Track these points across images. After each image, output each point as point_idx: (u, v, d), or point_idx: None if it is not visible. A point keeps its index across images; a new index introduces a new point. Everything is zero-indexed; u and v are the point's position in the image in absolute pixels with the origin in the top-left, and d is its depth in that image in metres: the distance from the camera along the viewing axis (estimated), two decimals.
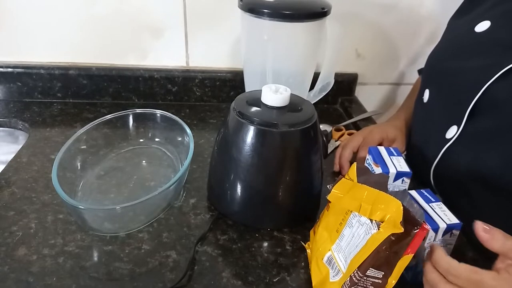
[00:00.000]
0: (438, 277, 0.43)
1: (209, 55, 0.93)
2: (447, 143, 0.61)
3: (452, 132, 0.61)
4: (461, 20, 0.70)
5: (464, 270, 0.42)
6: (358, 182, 0.49)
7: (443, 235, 0.51)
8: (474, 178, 0.58)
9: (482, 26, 0.61)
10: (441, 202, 0.54)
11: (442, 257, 0.43)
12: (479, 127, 0.57)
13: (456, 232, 0.51)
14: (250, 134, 0.54)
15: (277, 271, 0.53)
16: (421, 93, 0.71)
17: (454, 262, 0.43)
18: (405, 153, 0.77)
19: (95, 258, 0.53)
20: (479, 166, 0.57)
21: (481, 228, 0.43)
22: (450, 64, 0.64)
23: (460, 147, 0.60)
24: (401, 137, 0.75)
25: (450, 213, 0.52)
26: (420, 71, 0.89)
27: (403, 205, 0.42)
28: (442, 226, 0.50)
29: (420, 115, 0.72)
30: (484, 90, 0.55)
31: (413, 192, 0.56)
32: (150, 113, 0.72)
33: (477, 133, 0.58)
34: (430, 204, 0.53)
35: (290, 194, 0.58)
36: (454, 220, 0.51)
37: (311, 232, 0.57)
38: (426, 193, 0.56)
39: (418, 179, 0.67)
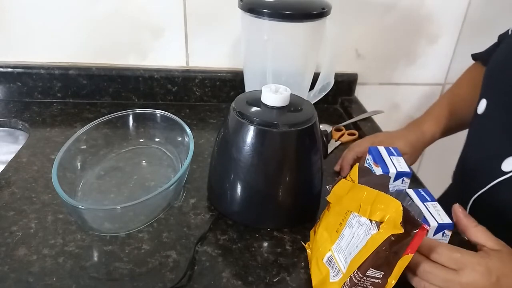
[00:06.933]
0: (420, 256, 0.45)
1: (209, 55, 0.93)
2: (501, 176, 0.53)
3: (511, 164, 0.52)
4: None
5: (445, 247, 0.44)
6: (359, 183, 0.49)
7: (434, 234, 0.51)
8: None
9: None
10: (436, 202, 0.54)
11: (425, 239, 0.45)
12: None
13: (449, 233, 0.51)
14: (250, 134, 0.54)
15: (277, 271, 0.53)
16: (478, 102, 0.61)
17: (435, 241, 0.45)
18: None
19: (95, 258, 0.53)
20: None
21: (459, 210, 0.48)
22: None
23: None
24: (410, 155, 0.68)
25: (444, 213, 0.52)
26: (475, 56, 0.78)
27: (402, 206, 0.42)
28: (433, 224, 0.50)
29: (475, 128, 0.62)
30: None
31: (410, 191, 0.56)
32: (150, 113, 0.72)
33: None
34: (425, 203, 0.54)
35: (290, 194, 0.58)
36: (447, 220, 0.51)
37: (312, 232, 0.57)
38: (423, 192, 0.56)
39: (455, 199, 0.60)
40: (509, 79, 0.56)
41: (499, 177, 0.54)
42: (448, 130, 0.76)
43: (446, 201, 0.58)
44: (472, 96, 0.67)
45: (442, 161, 0.81)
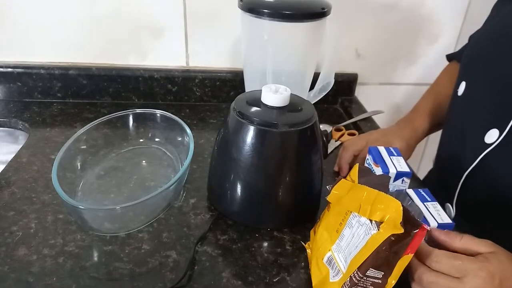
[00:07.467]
0: (422, 266, 0.45)
1: (209, 55, 0.93)
2: (486, 149, 0.54)
3: (493, 136, 0.53)
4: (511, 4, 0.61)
5: (444, 255, 0.44)
6: (359, 183, 0.49)
7: None
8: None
9: None
10: (436, 202, 0.54)
11: (424, 246, 0.45)
12: None
13: None
14: (250, 134, 0.54)
15: (277, 271, 0.53)
16: (457, 85, 0.63)
17: (435, 250, 0.45)
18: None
19: (95, 258, 0.53)
20: None
21: (438, 233, 0.47)
22: (494, 53, 0.56)
23: (501, 156, 0.52)
24: (405, 152, 0.70)
25: (443, 213, 0.52)
26: (450, 57, 0.83)
27: (402, 206, 0.42)
28: (433, 224, 0.50)
29: (455, 109, 0.64)
30: None
31: (410, 191, 0.56)
32: (150, 113, 0.72)
33: None
34: (425, 203, 0.54)
35: (290, 194, 0.58)
36: (446, 220, 0.51)
37: (312, 232, 0.57)
38: (423, 192, 0.56)
39: (443, 184, 0.62)
40: (488, 58, 0.58)
41: (484, 151, 0.54)
42: (436, 126, 0.78)
43: (430, 187, 0.59)
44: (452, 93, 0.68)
45: None
